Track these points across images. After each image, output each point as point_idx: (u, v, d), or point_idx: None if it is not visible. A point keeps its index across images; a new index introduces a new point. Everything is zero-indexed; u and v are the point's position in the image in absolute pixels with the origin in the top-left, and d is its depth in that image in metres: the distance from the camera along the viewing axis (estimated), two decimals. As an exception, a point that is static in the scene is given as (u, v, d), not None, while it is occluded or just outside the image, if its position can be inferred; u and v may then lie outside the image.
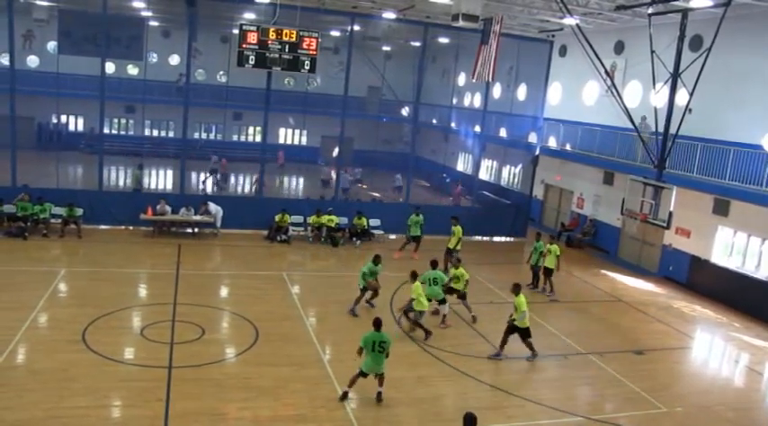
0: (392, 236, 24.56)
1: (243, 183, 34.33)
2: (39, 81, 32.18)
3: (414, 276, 14.77)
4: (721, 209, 19.93)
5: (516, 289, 13.74)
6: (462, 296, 15.91)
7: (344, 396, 11.19)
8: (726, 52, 18.91)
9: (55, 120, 38.07)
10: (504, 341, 13.66)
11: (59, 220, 20.71)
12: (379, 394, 11.26)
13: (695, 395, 13.02)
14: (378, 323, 11.27)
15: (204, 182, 30.83)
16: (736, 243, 19.89)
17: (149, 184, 28.41)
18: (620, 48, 25.36)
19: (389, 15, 25.60)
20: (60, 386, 10.74)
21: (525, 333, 13.64)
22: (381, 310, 16.17)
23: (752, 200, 17.90)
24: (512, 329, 13.62)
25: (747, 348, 16.26)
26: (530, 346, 13.72)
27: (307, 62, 22.22)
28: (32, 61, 37.52)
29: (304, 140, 43.09)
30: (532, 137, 28.17)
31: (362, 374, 11.18)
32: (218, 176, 31.65)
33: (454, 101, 38.24)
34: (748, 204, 18.35)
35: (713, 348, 16.66)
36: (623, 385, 13.00)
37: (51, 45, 34.93)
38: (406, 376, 12.40)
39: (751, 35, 19.37)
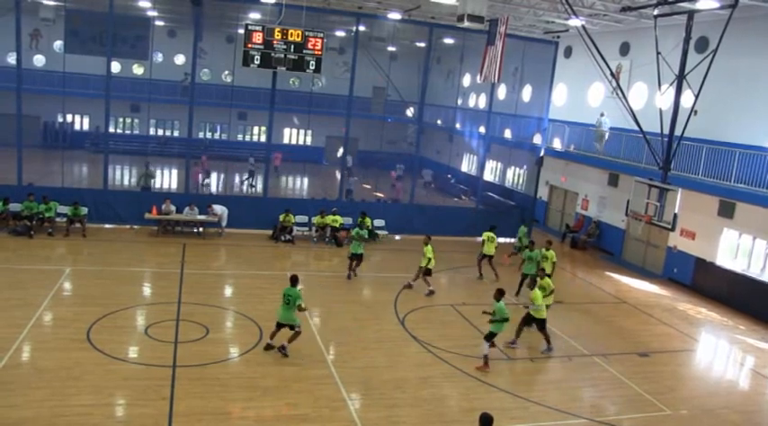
0: (396, 237, 24.56)
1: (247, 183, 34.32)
2: (45, 80, 32.38)
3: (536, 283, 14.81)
4: (726, 211, 19.87)
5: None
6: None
7: (268, 347, 12.75)
8: (732, 54, 18.86)
9: (61, 119, 38.23)
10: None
11: (64, 219, 20.79)
12: (283, 347, 12.63)
13: (700, 398, 12.99)
14: (293, 279, 12.84)
15: (243, 183, 31.40)
16: (741, 245, 19.82)
17: (155, 183, 28.43)
18: (625, 49, 25.31)
19: (395, 16, 25.61)
20: (65, 385, 10.78)
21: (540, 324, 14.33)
22: (384, 308, 16.21)
23: (757, 202, 17.85)
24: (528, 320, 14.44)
25: (752, 351, 16.20)
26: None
27: (312, 62, 22.26)
28: (39, 60, 37.69)
29: (309, 140, 43.15)
30: (537, 139, 28.14)
31: (277, 325, 12.71)
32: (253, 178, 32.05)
33: (459, 101, 38.25)
34: (754, 206, 18.30)
35: (718, 350, 16.60)
36: (627, 387, 12.97)
37: (58, 44, 35.15)
38: (409, 376, 12.42)
39: (757, 37, 19.31)
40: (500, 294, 13.28)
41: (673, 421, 11.82)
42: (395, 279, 18.79)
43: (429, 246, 17.66)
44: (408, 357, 13.46)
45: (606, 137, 24.32)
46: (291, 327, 12.69)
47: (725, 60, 18.31)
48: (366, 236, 19.15)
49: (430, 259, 17.59)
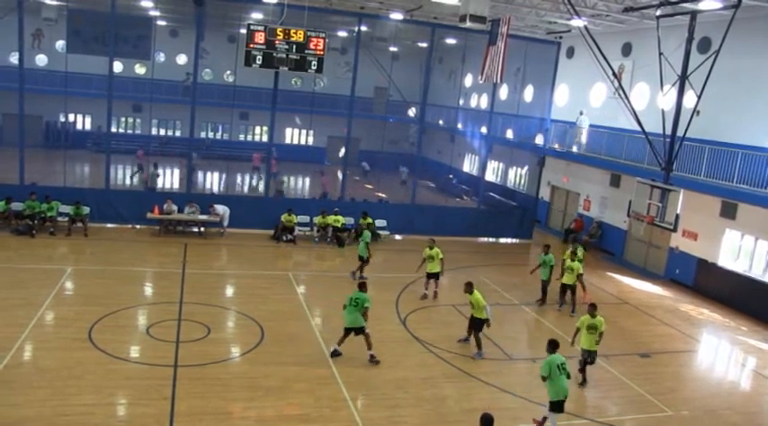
0: (397, 237, 24.56)
1: (243, 183, 34.33)
2: (47, 79, 32.38)
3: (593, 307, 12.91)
4: (729, 212, 19.85)
5: (469, 288, 13.73)
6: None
7: (335, 354, 12.74)
8: (734, 54, 18.82)
9: (63, 119, 38.26)
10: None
11: (66, 219, 20.80)
12: (372, 357, 12.70)
13: (701, 399, 12.98)
14: (361, 286, 13.00)
15: (132, 177, 30.52)
16: (743, 246, 19.79)
17: (163, 183, 28.33)
18: (627, 49, 25.29)
19: (397, 16, 25.62)
20: (66, 384, 10.79)
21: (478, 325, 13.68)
22: (386, 309, 16.21)
23: (759, 203, 17.82)
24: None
25: (754, 351, 16.18)
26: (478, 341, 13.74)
27: (314, 62, 22.25)
28: (41, 60, 37.73)
29: (310, 140, 43.20)
30: (539, 139, 28.14)
31: (346, 330, 12.76)
32: (143, 171, 30.31)
33: (461, 102, 38.23)
34: (756, 207, 18.27)
35: (720, 351, 16.58)
36: (629, 387, 12.96)
37: (60, 44, 35.14)
38: (411, 376, 12.42)
39: (760, 37, 19.27)
40: (553, 346, 10.57)
41: (674, 421, 11.80)
42: (396, 279, 18.78)
43: (437, 249, 17.34)
44: (410, 357, 13.46)
45: (585, 134, 25.40)
46: (359, 331, 12.72)
47: (727, 61, 18.28)
48: (367, 240, 18.87)
49: (442, 259, 17.30)
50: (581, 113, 25.82)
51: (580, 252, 17.69)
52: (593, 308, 12.81)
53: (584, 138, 25.55)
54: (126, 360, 12.02)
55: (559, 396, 10.24)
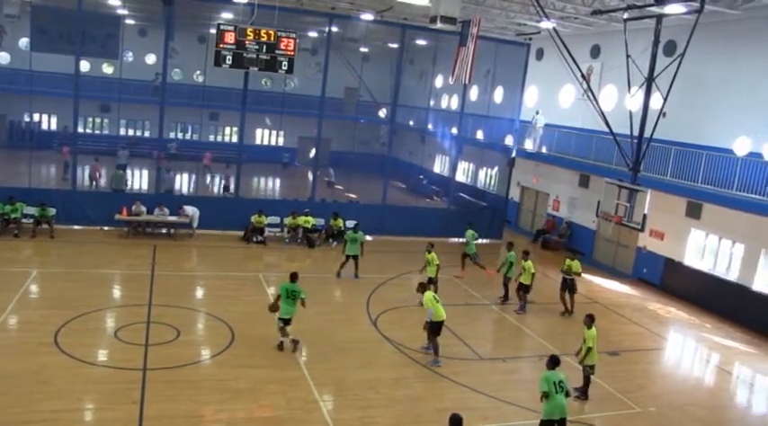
0: (368, 238, 24.51)
1: (218, 184, 33.94)
2: (10, 78, 31.63)
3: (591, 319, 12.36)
4: (694, 212, 20.26)
5: (422, 288, 13.55)
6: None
7: (281, 346, 13.08)
8: (699, 58, 19.23)
9: (27, 119, 37.36)
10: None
11: (31, 220, 20.33)
12: (295, 341, 13.16)
13: (668, 395, 13.24)
14: (293, 276, 13.14)
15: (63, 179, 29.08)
16: (707, 245, 20.23)
17: (129, 184, 27.86)
18: (596, 52, 25.68)
19: (367, 17, 25.62)
20: (31, 390, 10.54)
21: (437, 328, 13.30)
22: (357, 309, 16.18)
23: (723, 203, 18.25)
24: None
25: (718, 348, 16.56)
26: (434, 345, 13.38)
27: (284, 62, 22.13)
28: (3, 58, 36.86)
29: (281, 141, 42.94)
30: (509, 140, 28.40)
31: (285, 321, 12.97)
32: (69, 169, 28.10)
33: (431, 103, 38.40)
34: (720, 207, 18.70)
35: (685, 349, 16.94)
36: (598, 385, 13.10)
37: (23, 42, 34.30)
38: (382, 377, 12.44)
39: (723, 42, 19.74)
40: (553, 362, 10.41)
41: (642, 418, 12.01)
42: (367, 279, 18.79)
43: (434, 254, 17.20)
44: (381, 358, 13.48)
45: (540, 133, 26.45)
46: (289, 322, 13.11)
47: (692, 64, 18.65)
48: (357, 238, 19.04)
49: (438, 265, 17.13)
50: (537, 112, 26.79)
51: (576, 264, 17.65)
52: (589, 320, 12.32)
53: (537, 137, 26.52)
54: (93, 364, 11.81)
55: (553, 416, 9.77)
